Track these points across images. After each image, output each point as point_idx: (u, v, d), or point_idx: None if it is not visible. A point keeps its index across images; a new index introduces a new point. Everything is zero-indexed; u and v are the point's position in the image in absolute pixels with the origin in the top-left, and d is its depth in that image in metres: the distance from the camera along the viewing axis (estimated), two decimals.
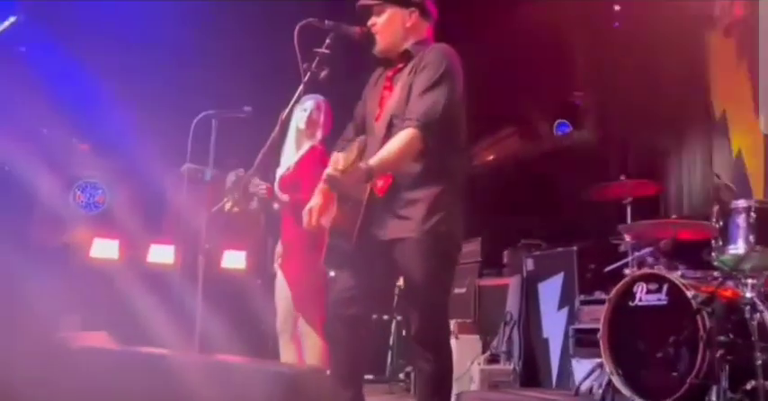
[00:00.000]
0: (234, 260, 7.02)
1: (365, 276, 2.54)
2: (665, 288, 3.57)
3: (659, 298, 3.59)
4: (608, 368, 3.76)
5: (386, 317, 6.45)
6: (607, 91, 6.26)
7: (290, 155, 3.71)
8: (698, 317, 3.26)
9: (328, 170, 2.33)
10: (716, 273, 3.81)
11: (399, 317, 6.24)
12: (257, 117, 3.61)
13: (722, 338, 3.24)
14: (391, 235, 2.45)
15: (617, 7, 6.45)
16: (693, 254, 3.90)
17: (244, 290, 6.09)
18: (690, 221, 4.06)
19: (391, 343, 6.41)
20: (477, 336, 5.73)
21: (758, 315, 3.33)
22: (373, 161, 2.32)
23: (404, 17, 2.61)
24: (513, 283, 6.01)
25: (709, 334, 3.21)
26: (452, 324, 5.61)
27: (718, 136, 5.60)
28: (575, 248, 5.65)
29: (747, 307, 3.35)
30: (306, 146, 3.71)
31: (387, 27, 2.62)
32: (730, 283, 3.51)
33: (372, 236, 2.46)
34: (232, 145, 3.92)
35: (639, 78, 5.92)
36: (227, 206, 3.41)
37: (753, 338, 3.29)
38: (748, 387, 3.19)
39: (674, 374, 3.39)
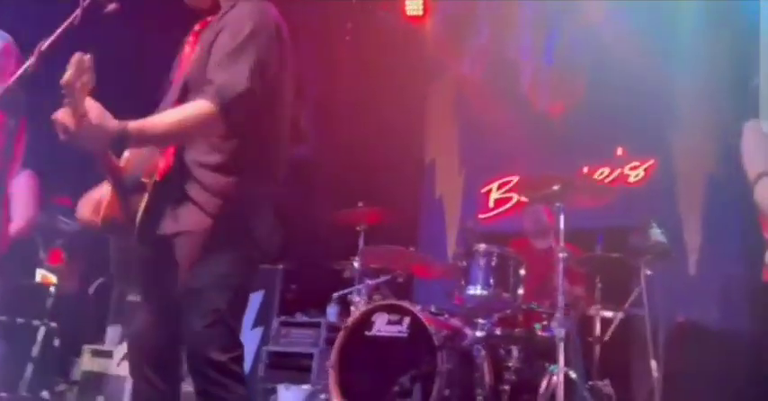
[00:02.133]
0: None
1: (154, 286, 1.98)
2: (406, 320, 3.60)
3: (400, 331, 3.60)
4: (334, 398, 3.60)
5: (36, 323, 5.34)
6: (335, 122, 6.30)
7: None
8: (439, 354, 3.34)
9: (62, 114, 1.67)
10: (432, 308, 4.02)
11: (53, 324, 5.24)
12: None
13: (456, 374, 3.37)
14: (171, 228, 1.89)
15: (347, 37, 6.61)
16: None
17: None
18: (425, 256, 4.22)
19: (34, 353, 5.32)
20: None
21: (482, 353, 3.57)
22: (134, 122, 1.74)
23: None
24: None
25: (449, 372, 3.31)
26: None
27: (427, 179, 6.11)
28: (281, 267, 5.48)
29: (476, 346, 3.57)
30: None
31: None
32: (462, 321, 3.71)
33: (151, 231, 1.89)
34: None
35: (363, 115, 6.09)
36: None
37: (476, 374, 3.50)
38: None
39: None
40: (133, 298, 6.02)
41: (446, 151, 6.16)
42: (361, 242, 4.43)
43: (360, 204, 4.43)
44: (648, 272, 3.88)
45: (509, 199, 5.72)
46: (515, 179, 5.73)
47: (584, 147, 5.44)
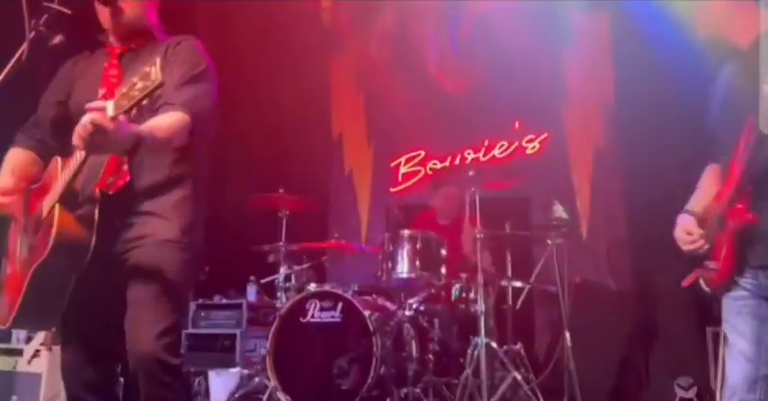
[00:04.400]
0: None
1: (98, 307, 2.04)
2: (339, 306, 3.78)
3: (333, 316, 3.77)
4: (273, 382, 3.75)
5: None
6: (237, 99, 6.17)
7: None
8: (374, 338, 3.57)
9: (94, 117, 1.68)
10: (355, 287, 4.24)
11: None
12: None
13: (389, 354, 3.62)
14: (127, 238, 2.01)
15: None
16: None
17: None
18: (350, 243, 4.39)
19: None
20: None
21: (411, 331, 3.84)
22: (144, 128, 1.85)
23: None
24: None
25: (383, 352, 3.55)
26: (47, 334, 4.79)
27: (335, 155, 6.20)
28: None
29: (406, 324, 3.83)
30: None
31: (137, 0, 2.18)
32: (388, 299, 3.95)
33: (103, 247, 1.97)
34: None
35: (264, 96, 6.00)
36: None
37: (406, 349, 3.78)
38: (402, 394, 3.65)
39: (344, 388, 3.61)
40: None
41: (353, 126, 6.26)
42: (283, 228, 4.50)
43: (280, 190, 4.48)
44: (550, 243, 4.28)
45: (416, 172, 5.97)
46: (422, 153, 5.99)
47: (485, 122, 5.75)
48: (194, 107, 2.00)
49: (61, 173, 1.95)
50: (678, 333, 4.83)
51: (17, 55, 1.87)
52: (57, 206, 1.89)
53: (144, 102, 1.64)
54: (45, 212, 1.96)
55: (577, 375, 4.06)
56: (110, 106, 1.66)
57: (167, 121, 1.95)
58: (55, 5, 1.94)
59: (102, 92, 2.09)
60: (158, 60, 1.64)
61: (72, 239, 1.89)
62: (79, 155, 1.83)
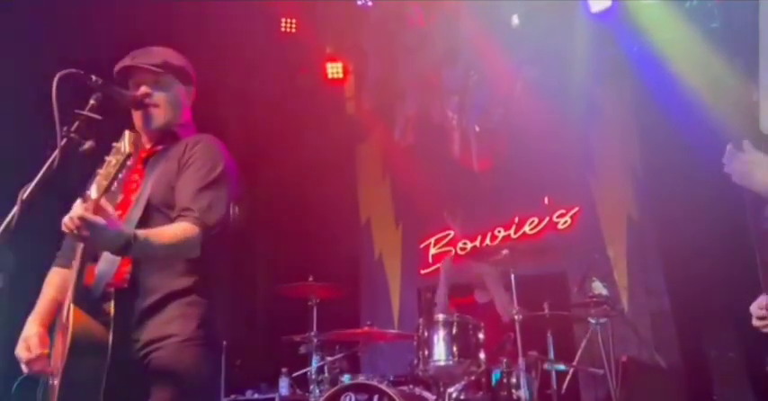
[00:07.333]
0: None
1: None
2: (375, 398, 3.61)
3: None
4: None
5: None
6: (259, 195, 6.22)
7: None
8: None
9: (80, 211, 1.71)
10: (391, 377, 4.07)
11: None
12: None
13: None
14: (144, 341, 1.92)
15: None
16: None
17: None
18: (382, 331, 4.27)
19: None
20: None
21: None
22: (141, 232, 1.83)
23: (186, 94, 2.24)
24: None
25: None
26: None
27: (364, 240, 6.18)
28: (224, 342, 5.34)
29: None
30: None
31: (171, 102, 2.17)
32: (426, 388, 3.78)
33: (122, 350, 1.89)
34: None
35: (292, 186, 6.06)
36: None
37: None
38: None
39: None
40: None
41: (381, 210, 6.27)
42: (314, 316, 4.41)
43: (310, 278, 4.42)
44: (593, 322, 4.12)
45: (447, 253, 5.89)
46: (451, 233, 5.93)
47: (513, 199, 5.71)
48: (209, 218, 1.95)
49: (72, 272, 1.92)
50: None
51: (48, 162, 1.87)
52: (71, 306, 1.84)
53: (120, 175, 1.72)
54: (64, 314, 1.90)
55: None
56: (93, 190, 1.73)
57: (171, 232, 1.91)
58: (86, 112, 1.96)
59: (120, 197, 1.99)
60: (126, 132, 1.75)
61: (89, 338, 1.83)
62: (80, 250, 1.82)
